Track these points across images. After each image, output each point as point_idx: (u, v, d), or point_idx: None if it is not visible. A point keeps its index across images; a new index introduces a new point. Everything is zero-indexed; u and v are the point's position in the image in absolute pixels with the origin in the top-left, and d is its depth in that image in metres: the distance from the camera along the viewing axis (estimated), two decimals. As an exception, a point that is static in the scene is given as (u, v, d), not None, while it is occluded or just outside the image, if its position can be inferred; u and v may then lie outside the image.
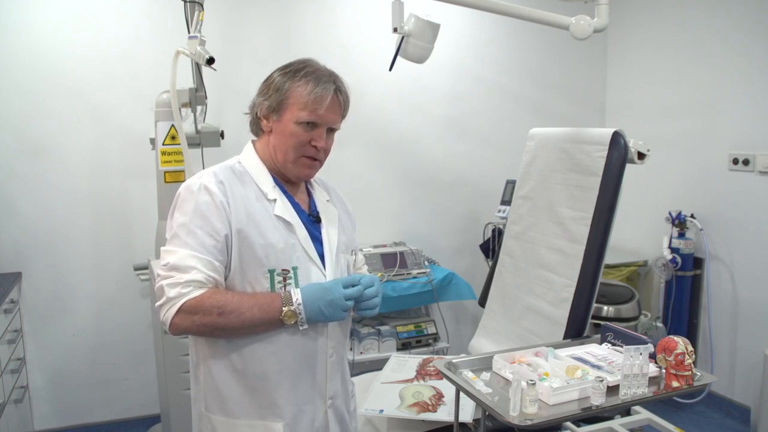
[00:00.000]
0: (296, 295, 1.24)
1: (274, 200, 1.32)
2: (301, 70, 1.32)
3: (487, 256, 3.35)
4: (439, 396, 1.93)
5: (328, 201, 1.47)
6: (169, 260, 1.21)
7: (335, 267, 1.37)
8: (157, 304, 1.22)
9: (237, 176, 1.32)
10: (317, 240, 1.37)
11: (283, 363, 1.30)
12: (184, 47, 2.24)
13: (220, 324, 1.20)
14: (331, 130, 1.36)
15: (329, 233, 1.39)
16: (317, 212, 1.41)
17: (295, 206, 1.36)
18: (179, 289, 1.18)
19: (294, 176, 1.37)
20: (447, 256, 3.54)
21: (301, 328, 1.27)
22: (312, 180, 1.48)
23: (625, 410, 2.05)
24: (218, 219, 1.23)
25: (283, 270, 1.28)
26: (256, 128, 1.39)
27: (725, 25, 3.06)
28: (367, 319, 3.19)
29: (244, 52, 3.03)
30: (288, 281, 1.28)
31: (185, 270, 1.19)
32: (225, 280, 1.27)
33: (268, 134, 1.36)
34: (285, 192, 1.36)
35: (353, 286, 1.28)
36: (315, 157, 1.35)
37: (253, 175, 1.34)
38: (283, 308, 1.23)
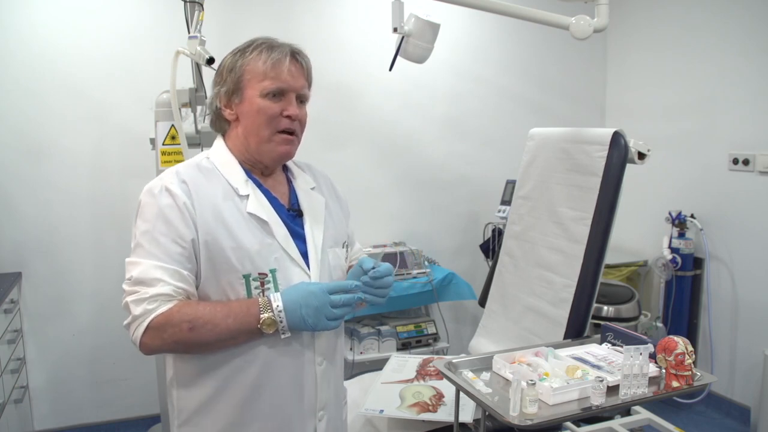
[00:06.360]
0: (276, 301, 1.12)
1: (247, 196, 1.19)
2: (251, 45, 1.24)
3: (487, 256, 3.35)
4: (439, 396, 1.93)
5: (313, 189, 1.34)
6: (133, 273, 1.11)
7: (321, 266, 1.24)
8: (125, 323, 1.11)
9: (203, 173, 1.20)
10: (299, 237, 1.24)
11: (266, 377, 1.17)
12: (184, 47, 2.24)
13: (193, 339, 1.09)
14: (301, 102, 1.26)
15: (313, 228, 1.27)
16: (298, 205, 1.29)
17: (273, 201, 1.24)
18: (145, 305, 1.07)
19: (272, 159, 1.24)
20: (447, 256, 3.54)
21: (282, 336, 1.14)
22: (293, 166, 1.36)
23: (625, 410, 2.04)
24: (182, 223, 1.13)
25: (260, 274, 1.15)
26: (220, 123, 1.29)
27: (725, 25, 3.06)
28: (367, 318, 3.19)
29: (244, 52, 3.03)
30: (266, 286, 1.16)
31: (150, 283, 1.09)
32: (197, 288, 1.15)
33: (235, 123, 1.25)
34: (260, 186, 1.24)
35: (344, 292, 1.15)
36: (291, 131, 1.23)
37: (223, 171, 1.22)
38: (261, 315, 1.11)
